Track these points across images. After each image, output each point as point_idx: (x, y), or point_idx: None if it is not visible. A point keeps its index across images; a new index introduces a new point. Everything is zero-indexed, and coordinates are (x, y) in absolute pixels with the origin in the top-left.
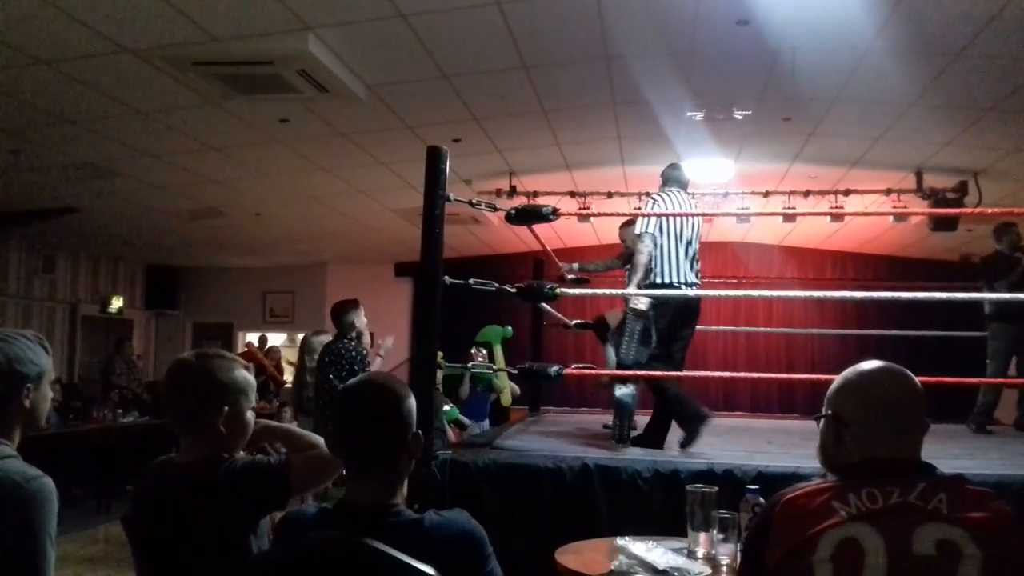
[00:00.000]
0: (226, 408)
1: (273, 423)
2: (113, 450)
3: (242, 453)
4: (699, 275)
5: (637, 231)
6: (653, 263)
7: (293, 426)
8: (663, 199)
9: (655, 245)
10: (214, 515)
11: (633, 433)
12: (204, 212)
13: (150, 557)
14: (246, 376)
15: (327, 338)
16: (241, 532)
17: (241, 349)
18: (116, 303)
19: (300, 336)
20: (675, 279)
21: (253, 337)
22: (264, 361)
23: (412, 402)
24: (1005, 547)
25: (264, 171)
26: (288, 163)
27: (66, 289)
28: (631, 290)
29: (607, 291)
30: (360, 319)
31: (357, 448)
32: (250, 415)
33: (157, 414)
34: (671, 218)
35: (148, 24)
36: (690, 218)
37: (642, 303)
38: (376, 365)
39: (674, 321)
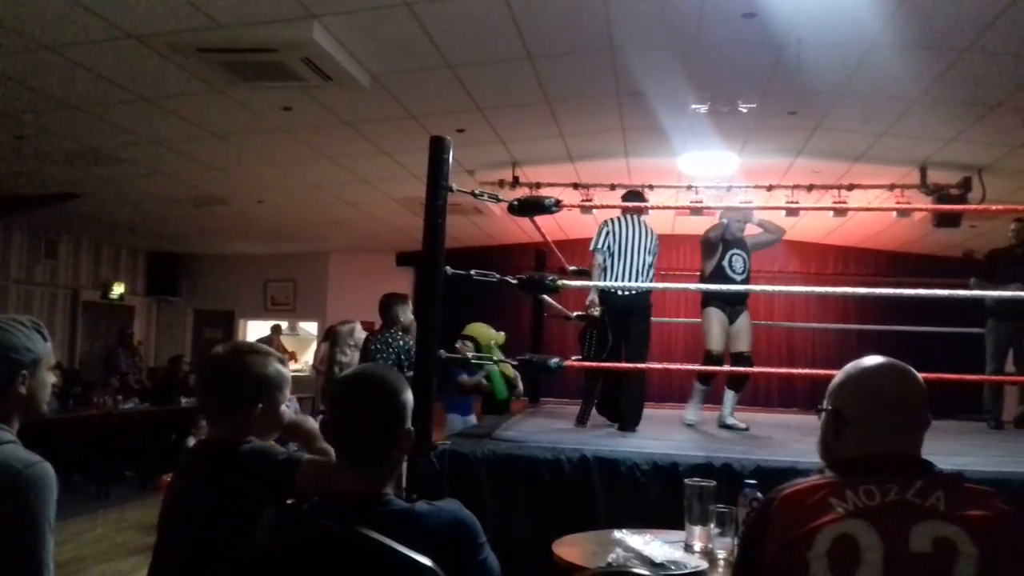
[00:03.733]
0: (260, 405)
1: (303, 419)
2: (113, 436)
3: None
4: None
5: (591, 248)
6: (606, 273)
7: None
8: (616, 223)
9: (606, 259)
10: (225, 494)
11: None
12: (206, 199)
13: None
14: (280, 370)
15: (352, 326)
16: (240, 518)
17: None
18: (117, 289)
19: (300, 324)
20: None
21: (264, 325)
22: (286, 351)
23: (409, 396)
24: (1002, 545)
25: (267, 159)
26: (291, 151)
27: (68, 275)
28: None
29: (609, 283)
30: (407, 314)
31: (350, 435)
32: (284, 409)
33: (157, 400)
34: (623, 241)
35: (153, 10)
36: (642, 242)
37: (595, 310)
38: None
39: (621, 321)
